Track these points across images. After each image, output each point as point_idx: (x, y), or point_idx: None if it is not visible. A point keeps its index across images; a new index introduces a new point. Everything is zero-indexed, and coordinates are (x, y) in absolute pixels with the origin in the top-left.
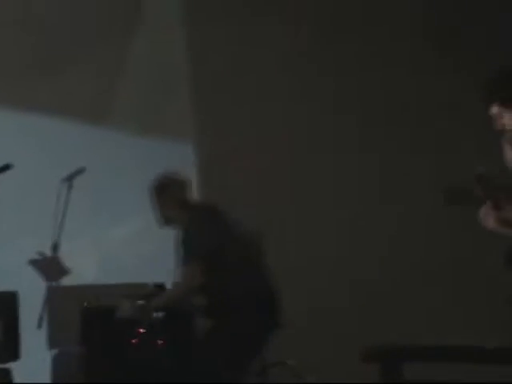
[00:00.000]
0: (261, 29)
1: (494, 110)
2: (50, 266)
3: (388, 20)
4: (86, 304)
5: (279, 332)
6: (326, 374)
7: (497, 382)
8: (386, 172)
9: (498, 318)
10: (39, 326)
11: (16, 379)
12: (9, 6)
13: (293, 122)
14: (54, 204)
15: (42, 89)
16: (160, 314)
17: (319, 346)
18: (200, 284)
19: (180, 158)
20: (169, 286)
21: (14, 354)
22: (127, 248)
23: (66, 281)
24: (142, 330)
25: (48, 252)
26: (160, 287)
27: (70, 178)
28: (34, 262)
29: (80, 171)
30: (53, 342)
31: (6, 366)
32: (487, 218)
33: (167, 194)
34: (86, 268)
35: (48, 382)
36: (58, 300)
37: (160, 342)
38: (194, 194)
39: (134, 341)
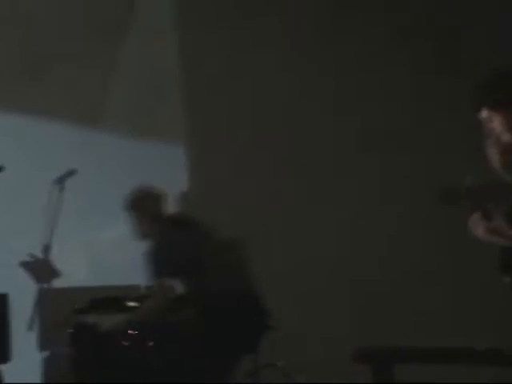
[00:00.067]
0: (253, 31)
1: (484, 113)
2: (41, 268)
3: (387, 20)
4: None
5: (267, 333)
6: (316, 375)
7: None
8: (385, 172)
9: (488, 319)
10: (30, 327)
11: (6, 381)
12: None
13: (286, 123)
14: (45, 206)
15: (33, 90)
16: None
17: (310, 347)
18: (173, 297)
19: (171, 161)
20: None
21: (5, 356)
22: (118, 250)
23: (57, 283)
24: (132, 332)
25: (39, 254)
26: (151, 289)
27: (61, 180)
28: (25, 264)
29: (71, 173)
30: (43, 343)
31: None
32: (476, 227)
33: (142, 208)
34: (77, 270)
35: (38, 382)
36: (48, 302)
37: (150, 343)
38: (185, 196)
39: (124, 342)
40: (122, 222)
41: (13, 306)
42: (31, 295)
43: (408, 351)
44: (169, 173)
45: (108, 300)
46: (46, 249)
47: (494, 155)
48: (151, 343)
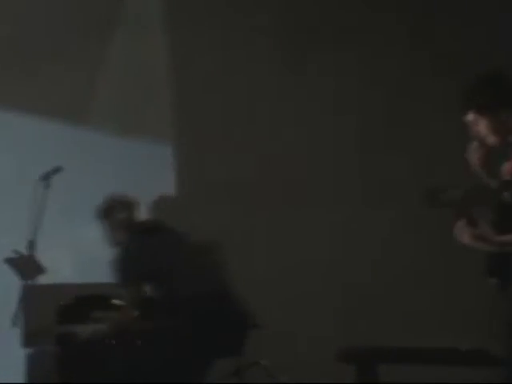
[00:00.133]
0: (244, 29)
1: (470, 117)
2: (25, 265)
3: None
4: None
5: (246, 335)
6: (301, 375)
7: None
8: (376, 174)
9: (473, 320)
10: (14, 324)
11: None
12: None
13: (277, 123)
14: (31, 202)
15: (20, 87)
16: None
17: (294, 347)
18: (144, 304)
19: (158, 160)
20: None
21: None
22: (103, 247)
23: (42, 279)
24: (109, 341)
25: (24, 250)
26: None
27: (46, 177)
28: (9, 261)
29: (57, 170)
30: (28, 340)
31: None
32: (462, 234)
33: (112, 216)
34: (62, 266)
35: (22, 381)
36: (33, 298)
37: (137, 341)
38: (172, 195)
39: (110, 340)
40: None
41: None
42: (16, 291)
43: (392, 351)
44: (156, 172)
45: (93, 297)
46: (31, 245)
47: (476, 159)
48: (130, 350)
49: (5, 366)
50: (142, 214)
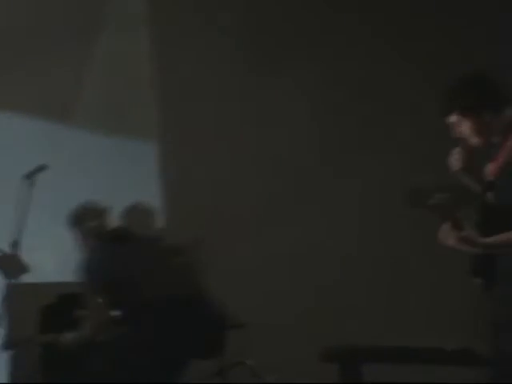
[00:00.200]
0: (228, 28)
1: (453, 118)
2: (9, 263)
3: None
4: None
5: (224, 337)
6: (285, 374)
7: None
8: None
9: (458, 320)
10: None
11: None
12: None
13: (258, 122)
14: (15, 201)
15: (4, 85)
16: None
17: (279, 346)
18: (109, 312)
19: (143, 158)
20: None
21: None
22: None
23: (26, 278)
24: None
25: (7, 249)
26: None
27: (30, 176)
28: None
29: (41, 168)
30: (8, 345)
31: None
32: (447, 237)
33: (84, 224)
34: (45, 265)
35: (5, 381)
36: (17, 297)
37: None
38: (157, 192)
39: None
40: None
41: None
42: None
43: (377, 351)
44: (141, 171)
45: (76, 295)
46: (15, 244)
47: (459, 162)
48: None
49: None
50: (117, 220)
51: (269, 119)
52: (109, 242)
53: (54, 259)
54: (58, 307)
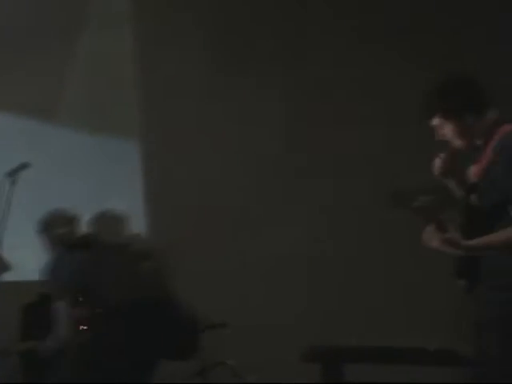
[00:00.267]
0: (211, 26)
1: (435, 121)
2: None
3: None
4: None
5: (195, 339)
6: (266, 374)
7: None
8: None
9: (440, 320)
10: None
11: None
12: None
13: (241, 121)
14: None
15: None
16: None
17: (260, 346)
18: (77, 319)
19: (125, 157)
20: None
21: None
22: None
23: (8, 276)
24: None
25: None
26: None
27: (13, 174)
28: None
29: (23, 166)
30: None
31: None
32: (431, 239)
33: (52, 231)
34: (27, 264)
35: None
36: None
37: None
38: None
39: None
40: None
41: None
42: None
43: (359, 351)
44: (123, 169)
45: None
46: None
47: (441, 164)
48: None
49: None
50: (86, 227)
51: (252, 118)
52: (74, 249)
53: (36, 257)
54: (40, 305)
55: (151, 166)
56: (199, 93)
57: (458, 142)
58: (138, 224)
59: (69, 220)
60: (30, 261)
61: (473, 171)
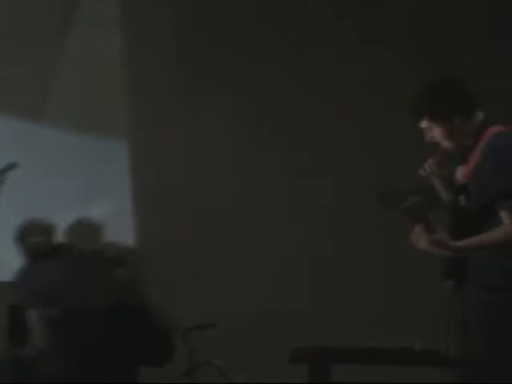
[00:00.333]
0: (199, 25)
1: (424, 124)
2: None
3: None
4: None
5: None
6: (254, 374)
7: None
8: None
9: (427, 321)
10: None
11: None
12: None
13: (230, 121)
14: None
15: None
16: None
17: (247, 346)
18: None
19: (113, 157)
20: None
21: None
22: None
23: None
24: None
25: None
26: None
27: (0, 174)
28: None
29: (11, 166)
30: None
31: None
32: (419, 240)
33: (28, 240)
34: (15, 263)
35: None
36: None
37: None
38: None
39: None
40: (61, 216)
41: None
42: None
43: (346, 351)
44: (111, 169)
45: None
46: None
47: (434, 166)
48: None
49: None
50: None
51: (241, 118)
52: (48, 257)
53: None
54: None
55: (139, 166)
56: (188, 92)
57: (446, 144)
58: (126, 224)
59: (45, 229)
60: (16, 261)
61: (461, 172)
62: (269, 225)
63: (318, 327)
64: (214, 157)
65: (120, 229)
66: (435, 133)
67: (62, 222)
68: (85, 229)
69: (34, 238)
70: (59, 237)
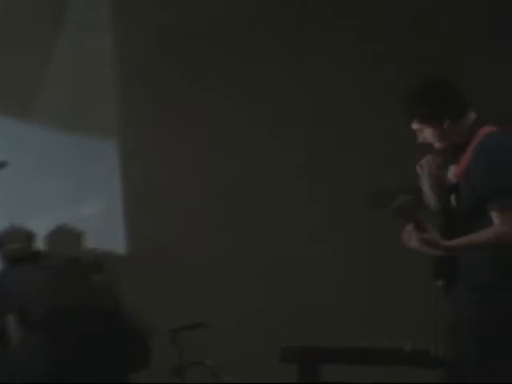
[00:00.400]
0: (188, 24)
1: (415, 125)
2: None
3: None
4: None
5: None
6: (244, 374)
7: None
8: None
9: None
10: None
11: None
12: None
13: (220, 120)
14: None
15: None
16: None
17: (238, 346)
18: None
19: (103, 156)
20: None
21: None
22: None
23: None
24: None
25: None
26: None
27: None
28: None
29: (1, 165)
30: None
31: None
32: (410, 238)
33: (6, 246)
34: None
35: None
36: None
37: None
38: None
39: None
40: (51, 215)
41: None
42: None
43: (336, 351)
44: (101, 168)
45: None
46: None
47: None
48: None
49: None
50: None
51: (231, 117)
52: (24, 263)
53: None
54: None
55: (129, 165)
56: (180, 92)
57: (438, 145)
58: (116, 223)
59: (24, 236)
60: None
61: (453, 172)
62: (258, 225)
63: (309, 327)
64: (205, 156)
65: (110, 228)
66: (427, 134)
67: (51, 220)
68: (64, 236)
69: (12, 245)
70: (38, 244)
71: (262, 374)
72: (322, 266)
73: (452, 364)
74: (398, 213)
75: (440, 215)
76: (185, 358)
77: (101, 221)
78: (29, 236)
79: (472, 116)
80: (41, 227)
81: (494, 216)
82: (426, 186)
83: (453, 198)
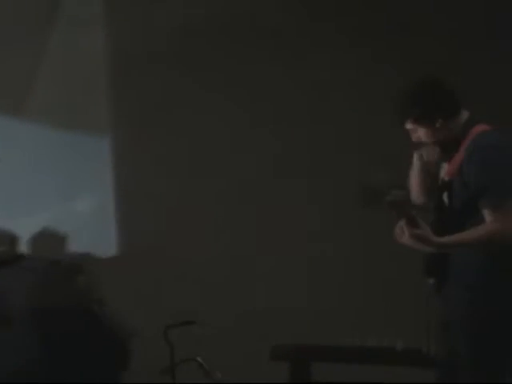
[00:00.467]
0: (184, 22)
1: (408, 125)
2: None
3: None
4: None
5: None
6: (235, 373)
7: (405, 383)
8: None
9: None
10: None
11: None
12: None
13: (213, 119)
14: None
15: None
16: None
17: (229, 344)
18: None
19: (95, 154)
20: None
21: None
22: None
23: None
24: None
25: None
26: None
27: None
28: None
29: None
30: None
31: None
32: (402, 234)
33: None
34: None
35: None
36: None
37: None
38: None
39: None
40: (42, 213)
41: None
42: None
43: (327, 350)
44: (93, 165)
45: None
46: None
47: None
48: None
49: None
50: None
51: (224, 116)
52: (9, 266)
53: None
54: None
55: (122, 163)
56: (171, 88)
57: (432, 144)
58: (108, 220)
59: (7, 239)
60: None
61: (446, 170)
62: (258, 225)
63: (306, 327)
64: (204, 156)
65: (102, 225)
66: (420, 133)
67: (43, 218)
68: (48, 239)
69: None
70: (22, 247)
71: (255, 373)
72: (309, 265)
73: (444, 363)
74: (391, 207)
75: (432, 213)
76: (176, 355)
77: (93, 218)
78: (12, 239)
79: (465, 115)
80: (31, 225)
81: (486, 214)
82: (413, 181)
83: (445, 196)
